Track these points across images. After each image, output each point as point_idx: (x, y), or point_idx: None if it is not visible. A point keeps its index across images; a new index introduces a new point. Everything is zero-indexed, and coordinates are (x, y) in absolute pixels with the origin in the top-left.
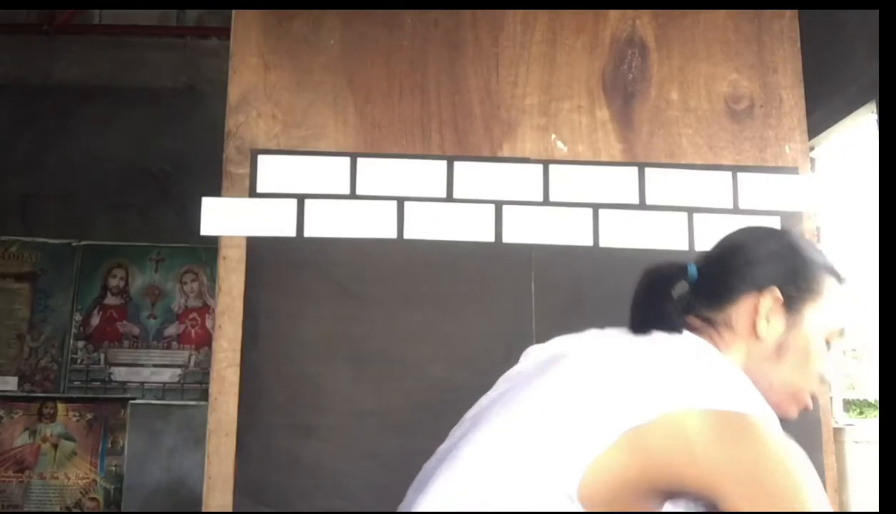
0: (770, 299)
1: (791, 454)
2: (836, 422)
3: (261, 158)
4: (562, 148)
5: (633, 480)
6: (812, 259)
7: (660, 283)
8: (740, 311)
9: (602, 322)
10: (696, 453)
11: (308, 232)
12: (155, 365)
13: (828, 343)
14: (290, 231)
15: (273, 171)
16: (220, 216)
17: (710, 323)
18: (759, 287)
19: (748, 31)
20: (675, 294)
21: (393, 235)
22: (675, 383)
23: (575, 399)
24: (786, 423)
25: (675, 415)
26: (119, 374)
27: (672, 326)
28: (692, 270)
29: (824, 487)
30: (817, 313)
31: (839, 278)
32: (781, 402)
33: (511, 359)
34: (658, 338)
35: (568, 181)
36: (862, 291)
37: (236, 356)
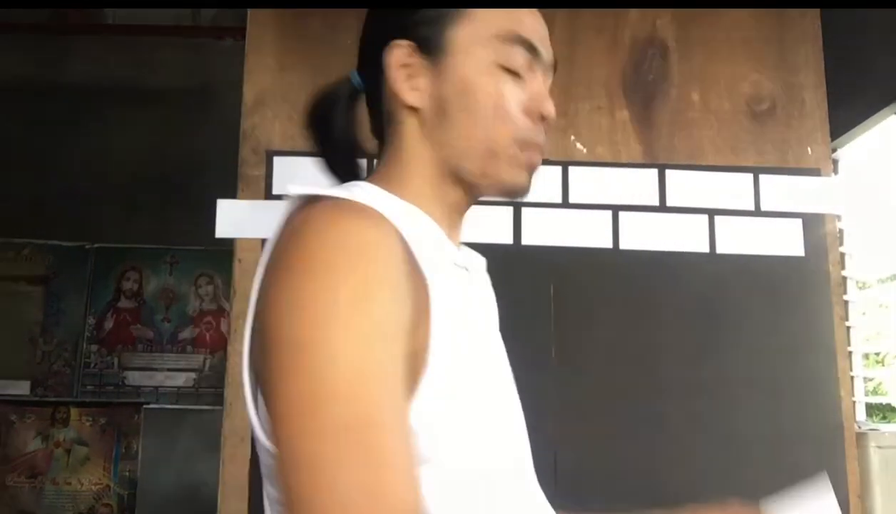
0: (399, 55)
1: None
2: (859, 427)
3: (276, 160)
4: (581, 149)
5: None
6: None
7: (328, 112)
8: (384, 92)
9: (620, 324)
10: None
11: None
12: (169, 369)
13: (524, 63)
14: None
15: (289, 172)
16: (236, 218)
17: (380, 130)
18: (382, 44)
19: (770, 32)
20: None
21: None
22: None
23: None
24: (808, 430)
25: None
26: (133, 378)
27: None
28: (354, 77)
29: (847, 493)
30: (471, 39)
31: None
32: (487, 168)
33: (530, 361)
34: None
35: (587, 183)
36: (885, 294)
37: None
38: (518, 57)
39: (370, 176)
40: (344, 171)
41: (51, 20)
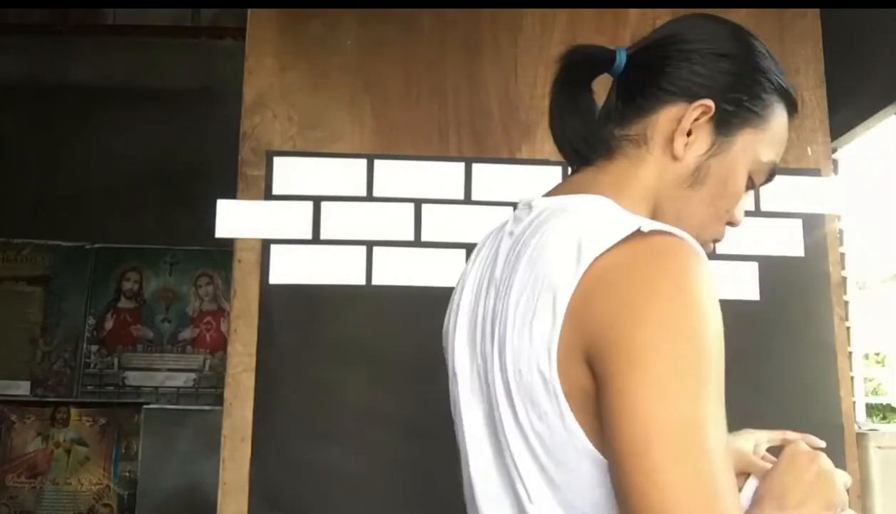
0: (699, 111)
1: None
2: (859, 427)
3: (276, 160)
4: None
5: (575, 343)
6: (767, 71)
7: (581, 75)
8: (661, 121)
9: None
10: (610, 281)
11: (324, 234)
12: (169, 369)
13: (751, 181)
14: (306, 234)
15: (289, 173)
16: (236, 219)
17: (624, 138)
18: (691, 95)
19: (770, 32)
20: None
21: (410, 237)
22: (587, 240)
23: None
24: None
25: (592, 267)
26: (133, 378)
27: (600, 148)
28: (621, 57)
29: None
30: (752, 141)
31: (792, 107)
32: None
33: None
34: (572, 205)
35: None
36: (885, 294)
37: (252, 360)
38: (761, 180)
39: (600, 186)
40: (579, 150)
41: (51, 20)
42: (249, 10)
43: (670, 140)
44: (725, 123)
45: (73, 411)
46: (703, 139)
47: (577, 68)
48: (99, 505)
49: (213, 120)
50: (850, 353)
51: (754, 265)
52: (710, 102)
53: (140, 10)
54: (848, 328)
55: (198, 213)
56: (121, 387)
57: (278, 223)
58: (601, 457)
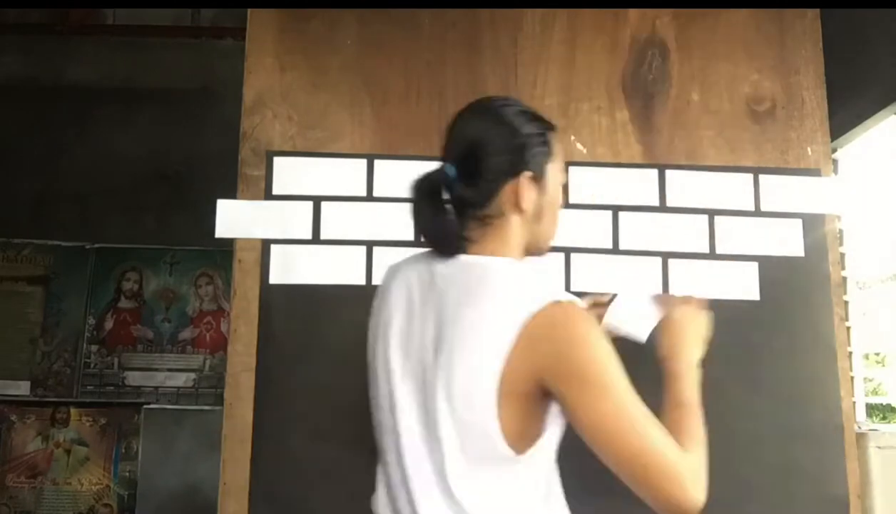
0: (525, 182)
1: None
2: (859, 427)
3: (276, 160)
4: (581, 149)
5: (522, 371)
6: (540, 129)
7: (433, 196)
8: (503, 198)
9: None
10: (553, 335)
11: (324, 234)
12: (169, 370)
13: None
14: (306, 233)
15: (289, 173)
16: (236, 218)
17: (483, 220)
18: (514, 174)
19: (770, 32)
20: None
21: (410, 237)
22: (536, 287)
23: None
24: (808, 430)
25: (544, 308)
26: (133, 378)
27: (462, 248)
28: (451, 171)
29: (847, 493)
30: (553, 167)
31: (554, 128)
32: (549, 244)
33: None
34: (497, 265)
35: (588, 183)
36: (885, 294)
37: (252, 361)
38: (564, 181)
39: (486, 247)
40: (449, 246)
41: (51, 20)
42: (249, 10)
43: (515, 204)
44: (538, 173)
45: (73, 411)
46: (532, 191)
47: (429, 194)
48: (99, 505)
49: (213, 120)
50: (850, 353)
51: (754, 265)
52: (528, 172)
53: (140, 10)
54: (848, 328)
55: (198, 213)
56: (121, 387)
57: (278, 223)
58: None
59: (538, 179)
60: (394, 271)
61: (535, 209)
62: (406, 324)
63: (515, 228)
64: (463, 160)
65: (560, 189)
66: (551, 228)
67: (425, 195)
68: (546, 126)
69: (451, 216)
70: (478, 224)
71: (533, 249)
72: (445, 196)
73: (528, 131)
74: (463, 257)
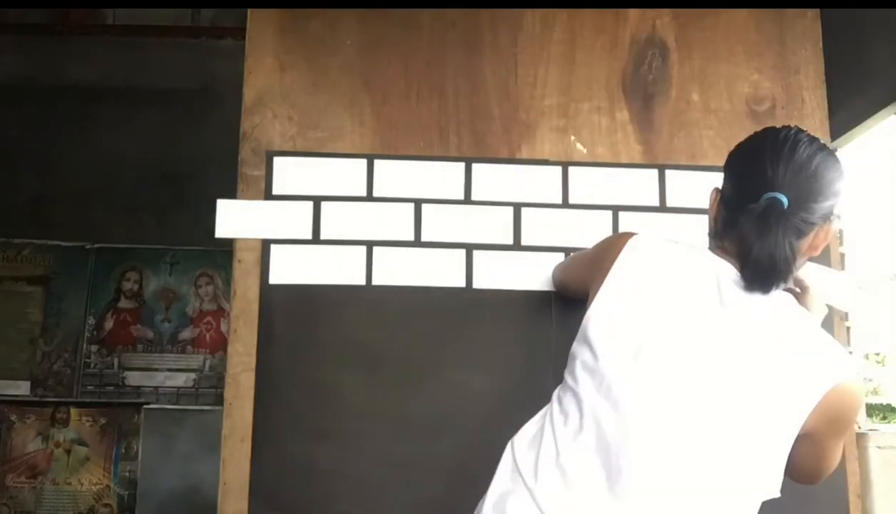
0: (832, 228)
1: None
2: (859, 427)
3: (276, 160)
4: (581, 150)
5: (809, 425)
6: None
7: (778, 226)
8: (815, 238)
9: None
10: (845, 416)
11: (324, 234)
12: (169, 369)
13: None
14: (306, 233)
15: (289, 173)
16: (236, 219)
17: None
18: (827, 219)
19: (770, 32)
20: None
21: (410, 237)
22: (839, 355)
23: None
24: None
25: (846, 382)
26: (133, 378)
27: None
28: (783, 200)
29: (847, 493)
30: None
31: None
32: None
33: (530, 363)
34: (790, 304)
35: (587, 183)
36: (885, 294)
37: (251, 360)
38: None
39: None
40: (776, 280)
41: (51, 20)
42: (249, 10)
43: (813, 246)
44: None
45: (73, 411)
46: (828, 239)
47: (773, 217)
48: (99, 505)
49: (213, 120)
50: (850, 353)
51: None
52: (838, 221)
53: (140, 10)
54: (848, 328)
55: (198, 213)
56: (121, 387)
57: (278, 223)
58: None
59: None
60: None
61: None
62: (683, 322)
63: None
64: (800, 192)
65: None
66: None
67: (768, 216)
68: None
69: (793, 247)
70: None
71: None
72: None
73: (840, 184)
74: (779, 295)
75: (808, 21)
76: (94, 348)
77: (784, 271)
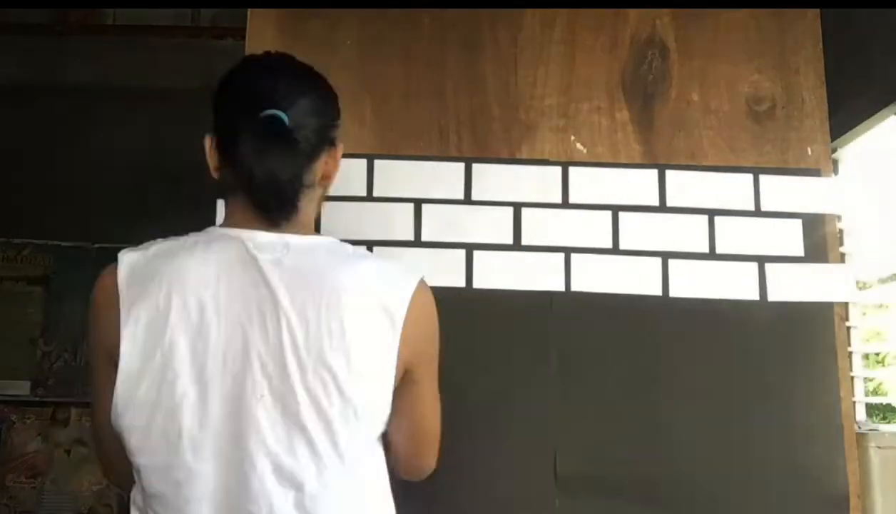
0: (338, 154)
1: None
2: (859, 427)
3: None
4: (581, 149)
5: (406, 356)
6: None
7: (278, 145)
8: (320, 166)
9: (620, 324)
10: (422, 313)
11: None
12: None
13: None
14: None
15: None
16: None
17: (302, 187)
18: (331, 143)
19: (770, 32)
20: None
21: (410, 236)
22: (399, 279)
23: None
24: (808, 430)
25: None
26: None
27: (295, 209)
28: (284, 117)
29: (847, 493)
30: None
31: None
32: None
33: (530, 363)
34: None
35: (587, 183)
36: (886, 295)
37: None
38: None
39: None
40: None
41: (51, 20)
42: (249, 10)
43: (325, 175)
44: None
45: (74, 411)
46: (338, 165)
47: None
48: (99, 506)
49: None
50: (850, 353)
51: (754, 265)
52: (342, 146)
53: (140, 10)
54: (848, 328)
55: (198, 213)
56: None
57: None
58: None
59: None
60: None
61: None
62: (241, 326)
63: (315, 203)
64: (295, 115)
65: None
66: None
67: (266, 135)
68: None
69: (298, 166)
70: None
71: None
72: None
73: (335, 103)
74: (293, 239)
75: (808, 21)
76: None
77: (290, 194)
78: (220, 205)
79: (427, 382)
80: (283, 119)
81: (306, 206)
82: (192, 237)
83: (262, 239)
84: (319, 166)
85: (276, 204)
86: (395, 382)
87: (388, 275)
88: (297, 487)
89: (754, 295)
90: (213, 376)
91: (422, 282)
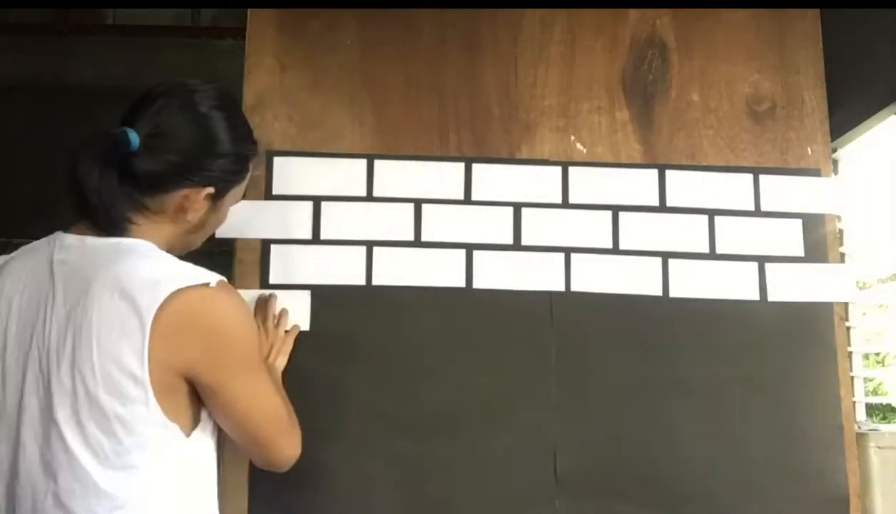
0: (203, 196)
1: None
2: (859, 427)
3: (276, 160)
4: (581, 149)
5: (169, 362)
6: (244, 151)
7: (106, 165)
8: (173, 198)
9: (621, 324)
10: (189, 318)
11: (324, 234)
12: None
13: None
14: (306, 233)
15: (289, 173)
16: (236, 219)
17: (145, 209)
18: (195, 183)
19: (770, 32)
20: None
21: (410, 236)
22: (161, 274)
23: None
24: (808, 430)
25: (174, 296)
26: None
27: (123, 228)
28: (133, 140)
29: (847, 493)
30: (235, 191)
31: (255, 146)
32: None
33: (530, 363)
34: (125, 246)
35: (587, 183)
36: (886, 295)
37: None
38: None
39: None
40: (114, 224)
41: (51, 20)
42: (249, 10)
43: (181, 209)
44: (221, 193)
45: None
46: (203, 206)
47: (103, 154)
48: None
49: None
50: (850, 353)
51: (754, 265)
52: (212, 189)
53: (140, 10)
54: (848, 328)
55: None
56: None
57: (278, 223)
58: (171, 425)
59: (217, 197)
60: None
61: (199, 222)
62: (29, 324)
63: (166, 228)
64: (153, 138)
65: (227, 210)
66: (204, 237)
67: (97, 154)
68: (250, 147)
69: (124, 189)
70: (132, 207)
71: (175, 249)
72: (116, 164)
73: (229, 150)
74: (90, 239)
75: (808, 21)
76: None
77: (114, 215)
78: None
79: (230, 390)
80: (130, 138)
81: (145, 226)
82: (38, 242)
83: (68, 241)
84: (174, 197)
85: (102, 218)
86: (164, 389)
87: (146, 277)
88: (54, 479)
89: (754, 295)
90: (7, 368)
91: (194, 288)
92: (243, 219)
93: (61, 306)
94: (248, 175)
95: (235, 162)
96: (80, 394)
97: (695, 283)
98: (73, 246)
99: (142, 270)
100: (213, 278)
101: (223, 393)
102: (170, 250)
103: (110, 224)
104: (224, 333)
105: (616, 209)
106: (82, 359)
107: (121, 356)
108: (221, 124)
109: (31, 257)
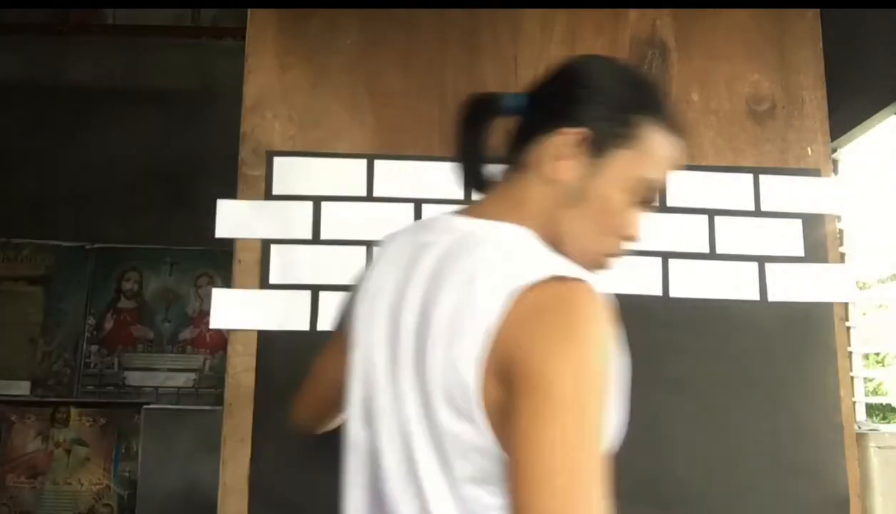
0: (570, 138)
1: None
2: (859, 427)
3: (276, 160)
4: None
5: (494, 364)
6: (634, 95)
7: (476, 119)
8: (543, 149)
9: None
10: (531, 318)
11: (324, 234)
12: (169, 370)
13: (645, 201)
14: (306, 234)
15: (289, 173)
16: (236, 219)
17: (520, 166)
18: (563, 124)
19: (770, 32)
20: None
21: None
22: (514, 274)
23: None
24: (808, 430)
25: (517, 301)
26: (133, 378)
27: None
28: (510, 100)
29: (847, 493)
30: (627, 160)
31: (673, 127)
32: (574, 256)
33: None
34: (496, 234)
35: None
36: (886, 294)
37: (251, 361)
38: (646, 196)
39: (508, 213)
40: (477, 180)
41: (51, 20)
42: (249, 10)
43: (552, 165)
44: (597, 146)
45: (73, 411)
46: (578, 162)
47: (471, 114)
48: (99, 505)
49: (213, 120)
50: (850, 353)
51: (754, 265)
52: (582, 129)
53: (140, 10)
54: (848, 328)
55: (198, 213)
56: (121, 387)
57: (278, 223)
58: (501, 454)
59: (596, 152)
60: (385, 247)
61: (572, 185)
62: (392, 314)
63: (537, 198)
64: (537, 91)
65: (621, 192)
66: (591, 228)
67: (469, 119)
68: (661, 113)
69: (486, 149)
70: (500, 179)
71: (559, 247)
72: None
73: (625, 90)
74: (461, 221)
75: (808, 21)
76: (94, 348)
77: (466, 165)
78: (220, 205)
79: None
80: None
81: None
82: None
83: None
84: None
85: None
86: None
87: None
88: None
89: (754, 295)
90: (376, 350)
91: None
92: (243, 219)
93: (418, 299)
94: (646, 144)
95: (618, 110)
96: (418, 401)
97: (695, 283)
98: (440, 227)
99: (497, 262)
100: (567, 270)
101: (519, 409)
102: (548, 234)
103: (480, 187)
104: (564, 338)
105: None
106: (421, 362)
107: (457, 361)
108: (603, 66)
109: (410, 234)
